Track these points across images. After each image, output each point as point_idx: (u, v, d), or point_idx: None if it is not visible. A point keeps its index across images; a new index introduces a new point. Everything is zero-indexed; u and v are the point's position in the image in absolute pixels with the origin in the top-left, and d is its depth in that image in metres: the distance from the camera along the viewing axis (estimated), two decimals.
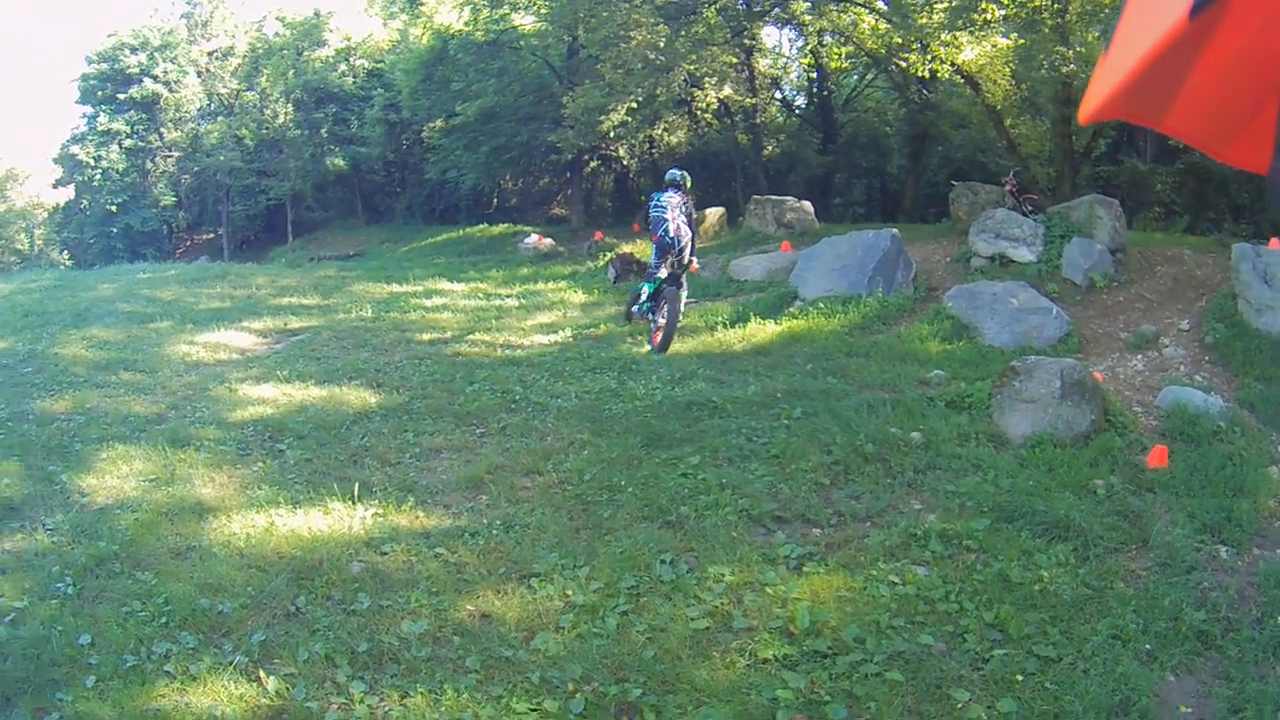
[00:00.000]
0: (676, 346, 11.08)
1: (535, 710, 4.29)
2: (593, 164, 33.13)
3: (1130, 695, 4.27)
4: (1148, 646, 4.72)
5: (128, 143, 41.39)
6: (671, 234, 11.22)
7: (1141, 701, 4.24)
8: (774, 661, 4.60)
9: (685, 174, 11.86)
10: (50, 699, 4.38)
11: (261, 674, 4.55)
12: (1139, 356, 10.14)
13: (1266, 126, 1.50)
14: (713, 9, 22.91)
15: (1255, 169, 1.57)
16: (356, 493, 6.73)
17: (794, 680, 4.42)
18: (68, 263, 42.58)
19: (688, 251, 11.40)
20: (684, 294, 11.83)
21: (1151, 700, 4.30)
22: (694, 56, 22.25)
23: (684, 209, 11.40)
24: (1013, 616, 4.90)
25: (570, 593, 5.31)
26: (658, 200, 11.44)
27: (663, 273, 11.41)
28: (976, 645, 4.70)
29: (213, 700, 4.35)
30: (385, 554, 5.84)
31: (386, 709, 4.33)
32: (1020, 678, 4.43)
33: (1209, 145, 1.63)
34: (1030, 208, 14.95)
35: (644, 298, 11.61)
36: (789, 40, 32.65)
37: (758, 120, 28.74)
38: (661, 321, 11.40)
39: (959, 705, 4.26)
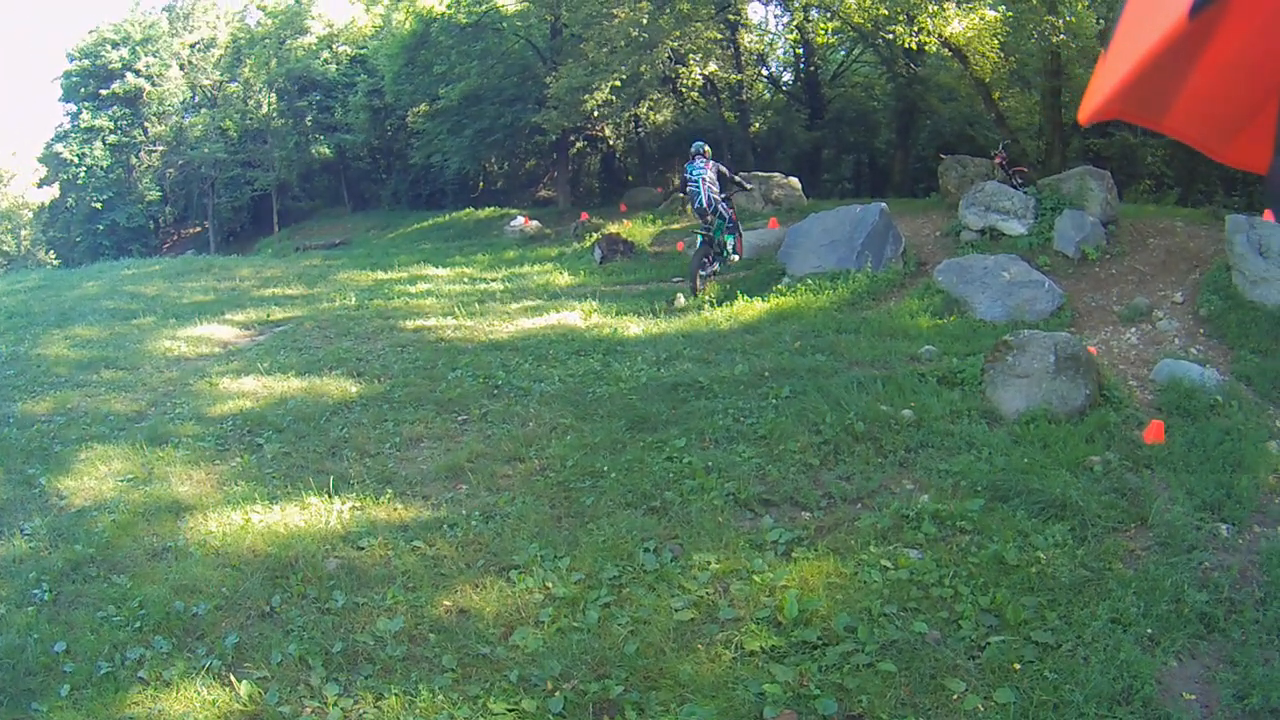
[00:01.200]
0: (663, 326, 10.91)
1: (513, 710, 4.15)
2: (578, 145, 32.87)
3: (1133, 683, 4.09)
4: (1149, 631, 4.53)
5: (111, 139, 40.98)
6: (703, 202, 12.94)
7: (1144, 689, 4.05)
8: (761, 654, 4.43)
9: (703, 144, 13.53)
10: (25, 710, 4.33)
11: (233, 678, 4.45)
12: (1133, 329, 9.98)
13: (1266, 126, 1.51)
14: None
15: (1255, 169, 1.58)
16: (333, 486, 6.62)
17: (782, 673, 4.24)
18: (54, 262, 42.36)
19: (723, 212, 13.13)
20: (729, 250, 13.49)
21: (1154, 688, 4.11)
22: (677, 33, 22.09)
23: (715, 175, 13.09)
24: (1009, 601, 4.70)
25: (550, 585, 5.17)
26: (689, 173, 13.17)
27: (704, 234, 13.06)
28: (972, 632, 4.51)
29: (185, 707, 4.27)
30: (362, 549, 5.72)
31: (361, 712, 4.21)
32: (1018, 666, 4.23)
33: (1208, 145, 1.63)
34: (1020, 180, 14.80)
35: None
36: (774, 16, 32.43)
37: (744, 97, 28.54)
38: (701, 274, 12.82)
39: (954, 696, 4.08)
